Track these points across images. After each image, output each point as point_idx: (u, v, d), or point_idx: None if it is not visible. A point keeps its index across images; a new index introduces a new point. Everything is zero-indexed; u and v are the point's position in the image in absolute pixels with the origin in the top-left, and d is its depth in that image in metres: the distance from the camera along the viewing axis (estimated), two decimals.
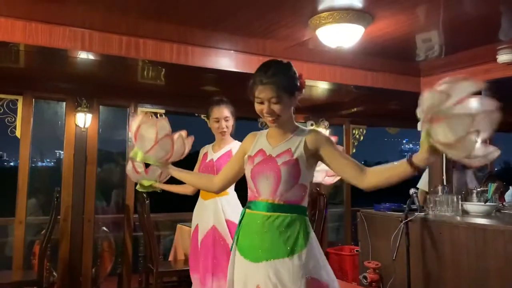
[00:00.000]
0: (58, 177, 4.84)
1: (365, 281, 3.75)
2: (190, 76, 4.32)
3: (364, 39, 3.37)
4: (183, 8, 3.11)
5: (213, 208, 3.00)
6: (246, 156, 1.92)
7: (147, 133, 2.15)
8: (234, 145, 3.10)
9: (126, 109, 5.18)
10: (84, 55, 3.42)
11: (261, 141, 1.92)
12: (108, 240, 5.18)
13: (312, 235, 1.80)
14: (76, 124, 4.78)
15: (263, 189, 1.80)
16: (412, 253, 3.37)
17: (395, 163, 1.64)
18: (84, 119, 4.73)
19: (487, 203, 3.90)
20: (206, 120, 3.35)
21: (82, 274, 4.75)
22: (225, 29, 3.53)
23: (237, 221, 2.82)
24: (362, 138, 6.46)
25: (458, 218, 3.50)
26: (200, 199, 3.13)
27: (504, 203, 4.53)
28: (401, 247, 3.46)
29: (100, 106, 5.00)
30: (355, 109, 5.80)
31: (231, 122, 3.12)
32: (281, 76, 1.77)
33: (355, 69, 4.26)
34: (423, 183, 5.14)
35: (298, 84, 1.83)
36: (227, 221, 2.97)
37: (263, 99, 1.77)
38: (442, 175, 4.76)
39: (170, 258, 4.83)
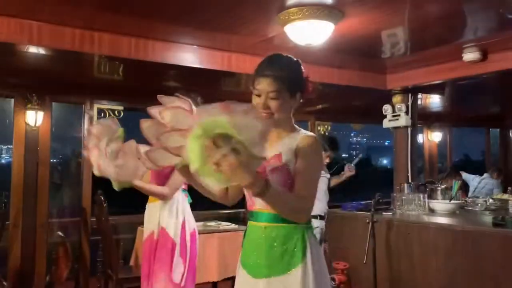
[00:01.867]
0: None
1: (333, 283, 3.69)
2: (151, 72, 4.11)
3: (332, 36, 3.27)
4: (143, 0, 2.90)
5: (153, 213, 2.84)
6: None
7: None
8: None
9: (81, 106, 4.89)
10: (33, 50, 3.15)
11: None
12: (64, 245, 4.89)
13: (311, 249, 1.61)
14: (26, 123, 4.45)
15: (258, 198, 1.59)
16: (380, 253, 3.34)
17: None
18: (35, 117, 4.42)
19: (452, 201, 3.92)
20: None
21: (34, 283, 4.48)
22: (188, 23, 3.34)
23: (172, 230, 2.73)
24: (327, 134, 6.43)
25: (426, 218, 3.49)
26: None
27: (467, 200, 4.60)
28: (370, 248, 3.41)
29: (53, 103, 4.69)
30: (320, 106, 5.75)
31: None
32: (286, 71, 1.62)
33: (322, 66, 4.17)
34: None
35: (303, 85, 1.67)
36: (161, 228, 2.78)
37: (261, 91, 1.60)
38: (408, 172, 4.78)
39: (131, 262, 4.62)
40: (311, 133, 1.68)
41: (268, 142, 1.63)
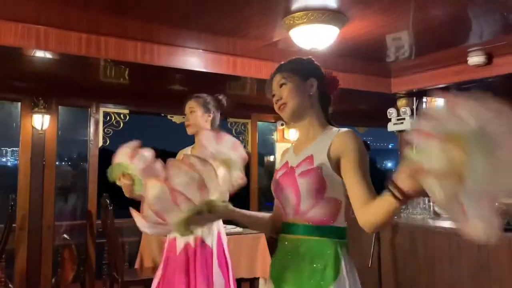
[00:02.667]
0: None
1: None
2: (156, 76, 4.12)
3: (337, 40, 3.28)
4: (148, 4, 2.92)
5: None
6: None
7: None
8: None
9: (87, 109, 4.91)
10: (40, 54, 3.18)
11: (289, 152, 1.62)
12: (70, 248, 4.91)
13: (345, 264, 1.41)
14: (32, 126, 4.48)
15: (288, 208, 1.48)
16: (385, 257, 3.33)
17: (381, 196, 1.27)
18: (41, 121, 4.44)
19: None
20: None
21: (40, 285, 4.49)
22: (193, 27, 3.36)
23: (209, 240, 2.53)
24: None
25: (431, 221, 3.48)
26: None
27: None
28: (375, 252, 3.41)
29: (59, 107, 4.72)
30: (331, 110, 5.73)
31: (198, 115, 2.64)
32: (291, 63, 1.59)
33: (326, 70, 4.17)
34: None
35: (317, 74, 1.57)
36: (198, 238, 2.57)
37: (274, 88, 1.56)
38: None
39: (136, 265, 4.63)
40: (345, 129, 1.49)
41: (300, 146, 1.57)
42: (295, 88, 1.52)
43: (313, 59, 1.65)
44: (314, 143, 1.51)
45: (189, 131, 2.70)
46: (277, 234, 1.57)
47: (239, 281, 4.12)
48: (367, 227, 1.33)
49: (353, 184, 1.39)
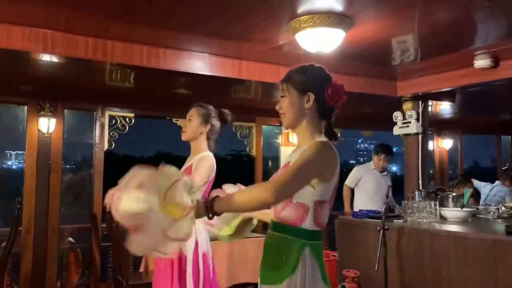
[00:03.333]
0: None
1: None
2: (162, 79, 4.13)
3: (343, 44, 3.28)
4: (154, 8, 2.93)
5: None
6: None
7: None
8: (196, 159, 2.69)
9: (93, 113, 4.93)
10: (47, 58, 3.19)
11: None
12: (75, 251, 4.92)
13: (303, 264, 1.55)
14: (39, 130, 4.50)
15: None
16: (391, 261, 3.31)
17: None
18: (47, 124, 4.46)
19: (464, 209, 3.88)
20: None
21: None
22: (199, 31, 3.36)
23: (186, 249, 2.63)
24: (336, 142, 6.40)
25: (437, 225, 3.45)
26: None
27: (478, 207, 4.55)
28: (381, 256, 3.38)
29: (65, 110, 4.73)
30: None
31: (193, 124, 2.73)
32: (293, 73, 1.70)
33: (332, 73, 4.11)
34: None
35: (317, 88, 1.63)
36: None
37: (279, 95, 1.71)
38: (418, 180, 4.74)
39: (141, 269, 4.62)
40: (320, 140, 1.61)
41: (293, 152, 1.71)
42: (292, 102, 1.65)
43: (322, 68, 1.71)
44: (297, 152, 1.64)
45: (183, 137, 2.81)
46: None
47: (244, 286, 4.12)
48: None
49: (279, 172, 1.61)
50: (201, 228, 2.67)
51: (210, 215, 1.50)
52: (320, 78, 1.67)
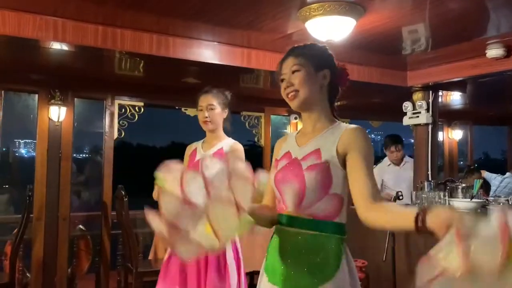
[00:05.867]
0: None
1: None
2: (171, 68, 4.13)
3: (353, 32, 3.25)
4: None
5: None
6: (273, 160, 1.60)
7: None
8: (226, 143, 2.70)
9: (103, 102, 4.95)
10: (57, 46, 3.20)
11: (289, 141, 1.58)
12: (85, 239, 4.98)
13: (345, 261, 1.41)
14: (49, 118, 4.53)
15: (289, 200, 1.45)
16: (399, 252, 3.31)
17: (404, 209, 1.33)
18: (58, 113, 4.49)
19: (474, 200, 3.86)
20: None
21: (57, 275, 4.56)
22: (208, 20, 3.35)
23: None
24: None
25: None
26: None
27: (488, 199, 4.52)
28: (389, 246, 3.39)
29: (75, 99, 4.76)
30: (338, 103, 5.70)
31: (217, 112, 2.68)
32: (307, 48, 1.54)
33: (341, 63, 4.14)
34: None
35: (331, 64, 1.53)
36: None
37: (285, 72, 1.49)
38: (428, 170, 4.72)
39: (150, 256, 4.68)
40: (354, 125, 1.48)
41: (305, 137, 1.54)
42: (309, 77, 1.47)
43: (328, 47, 1.60)
44: (320, 137, 1.47)
45: (209, 127, 2.71)
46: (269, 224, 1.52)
47: (252, 274, 4.14)
48: (369, 223, 1.35)
49: (358, 178, 1.38)
50: None
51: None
52: (330, 56, 1.57)
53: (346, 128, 1.47)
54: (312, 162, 1.42)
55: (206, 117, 2.68)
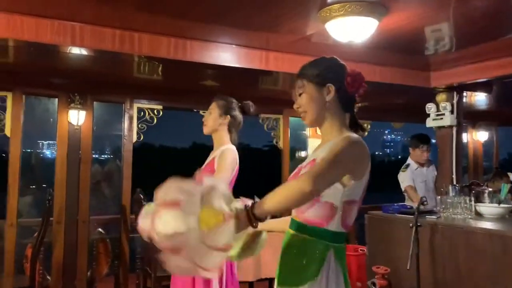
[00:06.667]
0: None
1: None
2: (189, 72, 4.11)
3: (375, 33, 3.16)
4: (181, 0, 2.89)
5: None
6: None
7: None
8: (221, 150, 2.66)
9: (122, 105, 4.97)
10: (76, 51, 3.21)
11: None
12: (104, 242, 4.99)
13: (327, 267, 1.47)
14: (69, 122, 4.56)
15: None
16: (423, 259, 3.20)
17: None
18: (77, 116, 4.52)
19: (502, 205, 3.72)
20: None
21: (77, 278, 4.58)
22: (226, 22, 3.31)
23: None
24: (366, 133, 6.24)
25: (473, 222, 3.31)
26: None
27: None
28: (413, 254, 3.28)
29: (94, 102, 4.78)
30: (360, 104, 5.59)
31: (213, 116, 2.70)
32: (308, 67, 1.60)
33: (363, 64, 4.03)
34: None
35: (335, 77, 1.55)
36: None
37: (295, 93, 1.61)
38: (452, 174, 4.58)
39: None
40: (353, 135, 1.51)
41: (317, 148, 1.62)
42: (312, 97, 1.56)
43: (335, 58, 1.63)
44: (323, 148, 1.54)
45: (204, 130, 2.78)
46: None
47: (270, 281, 4.08)
48: None
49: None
50: None
51: (254, 224, 1.37)
52: (336, 67, 1.59)
53: (341, 137, 1.51)
54: (305, 170, 1.51)
55: (205, 121, 2.76)
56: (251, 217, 1.36)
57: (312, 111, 1.56)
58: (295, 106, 1.61)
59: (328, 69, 1.58)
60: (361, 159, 1.49)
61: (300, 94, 1.58)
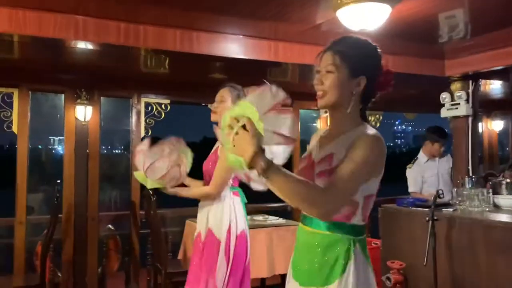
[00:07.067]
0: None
1: (389, 283, 3.49)
2: (196, 64, 4.03)
3: (388, 20, 3.04)
4: None
5: (203, 213, 2.70)
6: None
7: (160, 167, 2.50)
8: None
9: (129, 100, 4.91)
10: (81, 45, 3.15)
11: (315, 140, 1.59)
12: (114, 238, 4.96)
13: (354, 262, 1.43)
14: (76, 117, 4.52)
15: None
16: (440, 254, 3.10)
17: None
18: (84, 112, 4.47)
19: None
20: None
21: (87, 274, 4.56)
22: (233, 13, 3.22)
23: (217, 231, 2.61)
24: (378, 124, 6.12)
25: (491, 215, 3.20)
26: None
27: None
28: (430, 248, 3.18)
29: (101, 98, 4.73)
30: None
31: (227, 104, 2.61)
32: (350, 48, 1.45)
33: (384, 64, 3.94)
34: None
35: (372, 72, 1.45)
36: (209, 230, 2.63)
37: (321, 67, 1.46)
38: (468, 165, 4.45)
39: (180, 256, 4.61)
40: (372, 131, 1.43)
41: (328, 138, 1.52)
42: (340, 82, 1.43)
43: (376, 46, 1.50)
44: (338, 141, 1.46)
45: (213, 117, 2.68)
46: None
47: (282, 277, 4.01)
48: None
49: (336, 169, 1.36)
50: (239, 206, 2.67)
51: (261, 173, 1.24)
52: (375, 60, 1.48)
53: (362, 133, 1.42)
54: (323, 168, 1.43)
55: (215, 108, 2.66)
56: (266, 168, 1.24)
57: (334, 96, 1.43)
58: (315, 82, 1.46)
59: (367, 59, 1.47)
60: (382, 157, 1.43)
61: (328, 72, 1.43)
